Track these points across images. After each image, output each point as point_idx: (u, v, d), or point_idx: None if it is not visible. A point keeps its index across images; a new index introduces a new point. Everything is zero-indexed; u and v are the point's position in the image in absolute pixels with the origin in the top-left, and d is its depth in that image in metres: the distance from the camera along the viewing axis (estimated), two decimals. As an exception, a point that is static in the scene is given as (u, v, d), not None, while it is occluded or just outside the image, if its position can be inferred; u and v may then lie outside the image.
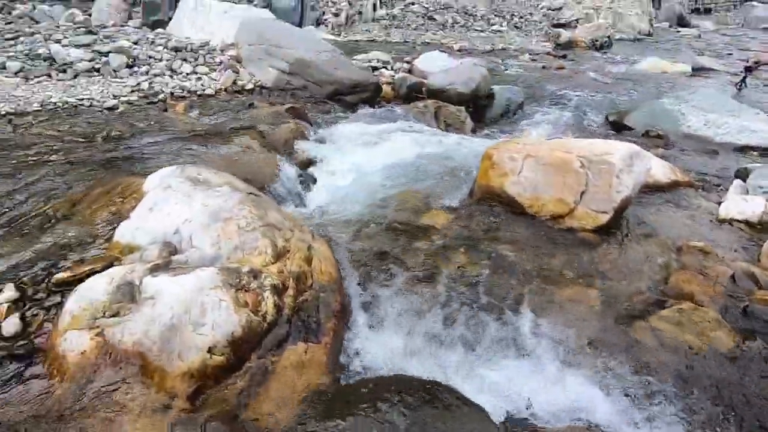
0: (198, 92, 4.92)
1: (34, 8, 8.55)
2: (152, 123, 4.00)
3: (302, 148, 3.96)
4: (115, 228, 2.14)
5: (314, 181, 3.63)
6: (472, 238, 2.74)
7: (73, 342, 1.55)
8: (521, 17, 16.33)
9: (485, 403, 1.71)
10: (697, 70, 9.33)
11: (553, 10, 17.34)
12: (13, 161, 3.00)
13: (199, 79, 5.26)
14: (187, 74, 5.37)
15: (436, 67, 6.93)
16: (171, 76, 5.24)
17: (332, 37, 10.36)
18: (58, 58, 5.02)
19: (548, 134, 5.17)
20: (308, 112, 4.79)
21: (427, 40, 11.70)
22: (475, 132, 5.27)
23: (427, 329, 2.11)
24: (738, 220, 3.08)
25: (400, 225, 2.86)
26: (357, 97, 5.49)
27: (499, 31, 14.41)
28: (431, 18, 14.83)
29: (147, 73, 5.20)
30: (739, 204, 3.18)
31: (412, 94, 5.89)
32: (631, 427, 1.75)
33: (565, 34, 12.90)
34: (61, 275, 1.88)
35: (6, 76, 4.63)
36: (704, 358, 1.98)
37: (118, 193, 2.51)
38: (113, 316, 1.62)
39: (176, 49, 5.95)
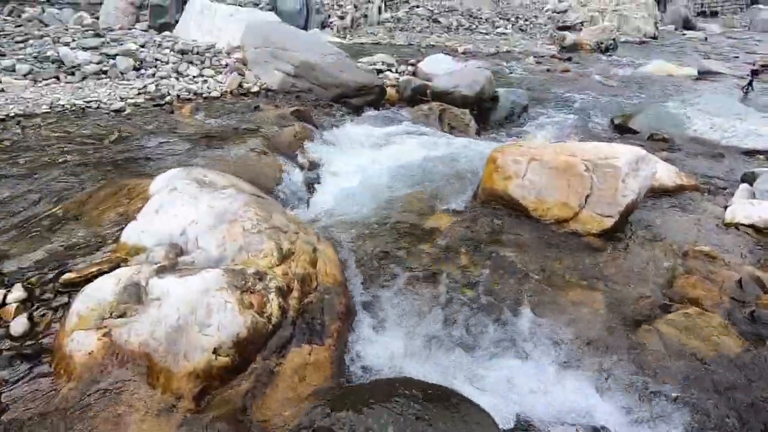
0: (204, 95, 4.95)
1: (43, 11, 8.65)
2: (159, 125, 4.03)
3: (307, 150, 3.98)
4: (121, 229, 2.16)
5: (319, 183, 3.64)
6: (476, 241, 2.74)
7: (81, 342, 1.57)
8: (526, 20, 16.33)
9: (488, 406, 1.71)
10: (703, 74, 9.29)
11: (558, 13, 17.33)
12: (22, 163, 3.04)
13: (205, 81, 5.30)
14: (194, 77, 5.41)
15: (440, 69, 6.95)
16: (177, 79, 5.28)
17: (337, 40, 10.40)
18: (67, 60, 5.08)
19: (553, 137, 5.16)
20: (313, 114, 4.81)
21: (431, 43, 11.72)
22: (480, 135, 5.27)
23: (430, 331, 2.11)
24: (744, 225, 3.05)
25: (404, 227, 2.87)
26: (362, 99, 5.51)
27: (503, 33, 14.41)
28: (436, 21, 14.86)
29: (154, 75, 5.25)
30: (745, 208, 3.16)
31: (417, 96, 5.90)
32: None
33: (569, 37, 12.88)
34: (68, 276, 1.90)
35: (15, 78, 4.68)
36: (710, 364, 1.97)
37: (124, 194, 2.53)
38: (120, 316, 1.63)
39: (183, 52, 6.00)
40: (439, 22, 14.74)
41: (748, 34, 20.41)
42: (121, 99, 4.49)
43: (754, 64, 8.89)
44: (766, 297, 2.32)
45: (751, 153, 4.72)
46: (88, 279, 1.83)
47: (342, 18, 13.04)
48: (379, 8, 14.36)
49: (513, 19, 16.42)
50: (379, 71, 6.95)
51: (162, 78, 5.20)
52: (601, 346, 2.05)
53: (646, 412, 1.79)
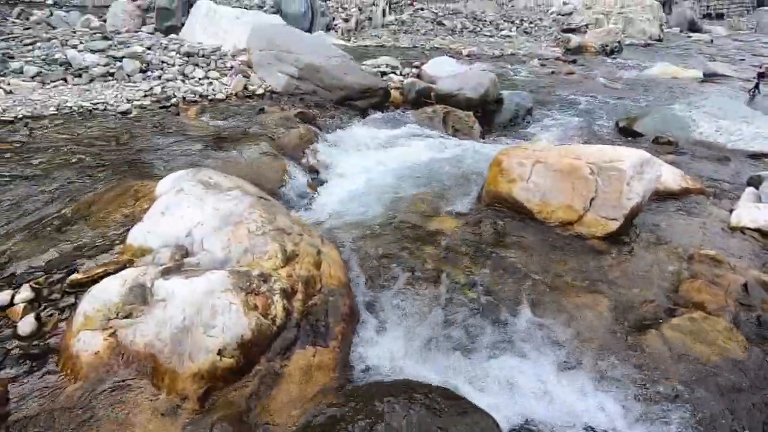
0: (209, 97, 4.99)
1: (51, 14, 8.75)
2: (164, 127, 4.06)
3: (311, 152, 4.00)
4: (128, 230, 2.17)
5: (323, 185, 3.66)
6: (480, 244, 2.74)
7: (87, 342, 1.58)
8: (530, 23, 16.32)
9: (491, 408, 1.71)
10: (709, 76, 9.24)
11: (563, 15, 17.31)
12: (30, 164, 3.07)
13: (210, 83, 5.34)
14: (199, 79, 5.45)
15: (444, 72, 6.95)
16: (183, 81, 5.32)
17: (342, 43, 10.44)
18: (74, 63, 5.13)
19: (557, 140, 5.15)
20: (318, 116, 4.83)
21: (436, 45, 11.74)
22: (484, 137, 5.27)
23: (433, 333, 2.11)
24: (750, 229, 3.03)
25: (408, 229, 2.87)
26: (366, 101, 5.53)
27: (508, 36, 14.41)
28: (440, 23, 14.88)
29: (160, 77, 5.29)
30: (751, 212, 3.14)
31: (421, 99, 5.91)
32: (641, 437, 1.73)
33: (574, 39, 12.86)
34: (75, 276, 1.92)
35: (24, 80, 4.73)
36: (716, 368, 1.96)
37: (131, 196, 2.55)
38: (126, 317, 1.65)
39: (188, 55, 6.05)
40: (444, 24, 14.76)
41: (755, 36, 20.30)
42: (128, 101, 4.53)
43: (760, 67, 8.84)
44: (772, 301, 2.31)
45: (757, 156, 4.69)
46: (95, 280, 1.84)
47: (346, 21, 13.09)
48: (384, 11, 14.40)
49: (517, 21, 16.42)
50: (384, 74, 6.97)
51: (168, 80, 5.24)
52: (606, 350, 2.04)
53: (651, 415, 1.78)
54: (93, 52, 5.49)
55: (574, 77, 8.82)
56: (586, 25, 15.84)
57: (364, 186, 3.56)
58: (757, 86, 7.91)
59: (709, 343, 2.06)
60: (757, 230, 3.02)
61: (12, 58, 5.13)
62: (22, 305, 1.77)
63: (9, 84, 4.59)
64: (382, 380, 1.84)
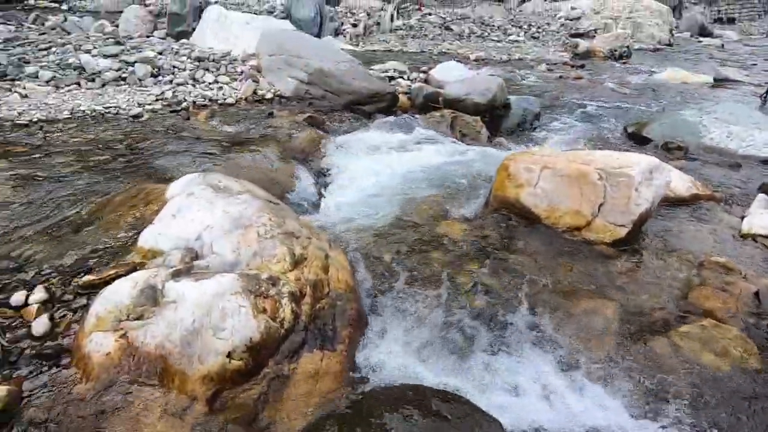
0: (219, 101, 5.05)
1: (66, 19, 8.92)
2: (175, 131, 4.11)
3: (320, 156, 4.03)
4: (139, 233, 2.21)
5: (331, 189, 3.68)
6: (487, 249, 2.74)
7: (99, 343, 1.61)
8: (538, 27, 16.30)
9: (498, 415, 1.70)
10: (720, 81, 9.15)
11: (571, 20, 17.28)
12: (43, 167, 3.13)
13: (220, 88, 5.40)
14: (209, 84, 5.52)
15: (452, 77, 6.97)
16: (194, 86, 5.39)
17: (350, 47, 10.51)
18: (88, 67, 5.23)
19: (565, 145, 5.13)
20: (326, 121, 4.87)
21: (443, 50, 11.76)
22: (491, 142, 5.27)
23: (440, 339, 2.12)
24: (762, 236, 3.00)
25: (415, 234, 2.88)
26: (374, 106, 5.56)
27: (516, 41, 14.40)
28: (448, 28, 14.92)
29: (171, 82, 5.37)
30: (763, 219, 3.10)
31: (429, 103, 5.93)
32: (650, 446, 1.72)
33: (583, 44, 12.81)
34: (87, 278, 1.95)
35: (38, 85, 4.83)
36: (726, 377, 1.94)
37: (142, 199, 2.59)
38: (137, 319, 1.67)
39: (199, 59, 6.13)
40: (452, 29, 14.80)
41: (767, 41, 20.08)
42: (139, 105, 4.60)
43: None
44: (784, 310, 2.28)
45: (769, 162, 4.64)
46: (107, 281, 1.87)
47: (355, 26, 13.18)
48: (392, 16, 14.48)
49: (525, 26, 16.41)
50: (391, 78, 7.01)
51: (179, 85, 5.32)
52: (614, 358, 2.03)
53: (661, 423, 1.77)
54: (106, 56, 5.59)
55: (582, 82, 8.79)
56: (595, 30, 15.78)
57: (372, 190, 3.58)
58: (768, 91, 7.82)
59: (720, 352, 2.04)
60: (769, 237, 2.99)
61: (27, 62, 5.24)
62: (36, 306, 1.80)
63: (24, 88, 4.69)
64: (388, 384, 1.85)
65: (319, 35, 10.56)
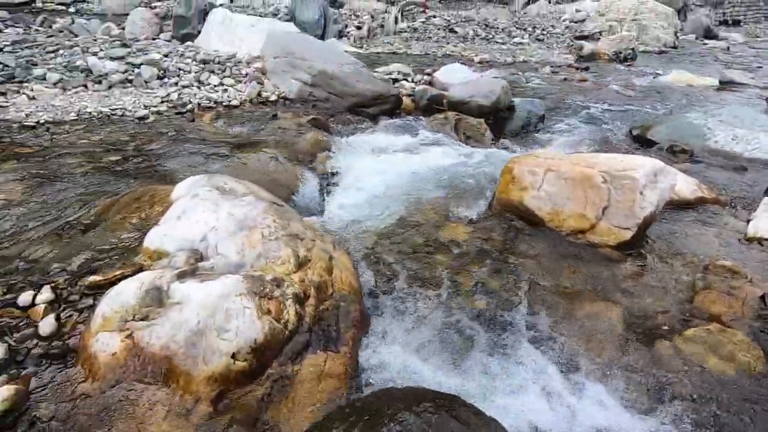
0: (224, 103, 5.08)
1: (73, 22, 9.00)
2: (180, 133, 4.14)
3: (324, 158, 4.04)
4: (144, 234, 2.22)
5: (335, 191, 3.69)
6: (491, 251, 2.74)
7: (105, 343, 1.62)
8: (543, 30, 16.29)
9: (500, 418, 1.70)
10: (725, 84, 9.10)
11: (576, 23, 17.25)
12: (50, 168, 3.16)
13: (225, 90, 5.44)
14: (214, 86, 5.55)
15: (456, 79, 6.98)
16: (199, 88, 5.43)
17: (354, 50, 10.54)
18: (95, 69, 5.27)
19: (569, 148, 5.12)
20: (330, 123, 4.89)
21: (447, 53, 11.77)
22: (495, 145, 5.27)
23: (443, 341, 2.12)
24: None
25: (419, 237, 2.88)
26: (378, 108, 5.57)
27: (520, 43, 14.39)
28: (452, 30, 14.93)
29: (176, 84, 5.41)
30: (769, 222, 3.09)
31: (433, 106, 5.93)
32: (654, 450, 1.71)
33: (587, 47, 12.78)
34: (93, 278, 1.97)
35: (46, 87, 4.88)
36: (732, 381, 1.92)
37: (147, 200, 2.61)
38: (142, 319, 1.68)
39: (204, 62, 6.17)
40: (456, 31, 14.81)
41: (773, 43, 19.93)
42: (145, 107, 4.63)
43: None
44: (790, 314, 2.26)
45: (775, 165, 4.61)
46: (113, 282, 1.89)
47: (359, 28, 13.21)
48: (396, 18, 14.51)
49: (530, 29, 16.40)
50: (395, 80, 7.02)
51: (184, 87, 5.35)
52: (618, 361, 2.02)
53: (665, 429, 1.76)
54: (112, 59, 5.64)
55: (586, 84, 8.77)
56: (600, 32, 15.74)
57: (376, 192, 3.59)
58: (775, 94, 7.77)
59: (725, 356, 2.03)
60: (775, 241, 2.97)
61: (35, 65, 5.29)
62: (42, 306, 1.82)
63: (32, 90, 4.73)
64: (391, 387, 1.85)
65: (323, 37, 10.59)
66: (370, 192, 3.59)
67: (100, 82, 5.15)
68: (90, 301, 1.87)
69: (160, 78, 5.47)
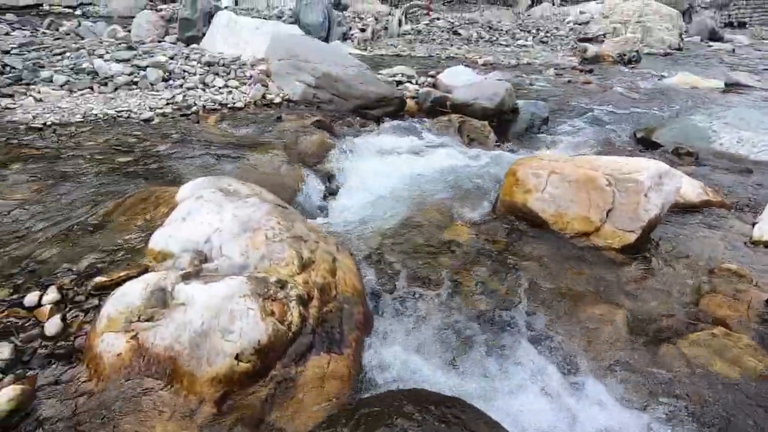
0: (228, 105, 5.10)
1: (80, 25, 9.08)
2: (185, 134, 4.16)
3: (327, 160, 4.05)
4: (149, 235, 2.24)
5: (338, 192, 3.70)
6: (494, 254, 2.73)
7: (110, 344, 1.63)
8: (547, 32, 16.26)
9: (502, 419, 1.70)
10: (731, 86, 9.05)
11: (580, 25, 17.22)
12: (58, 170, 3.19)
13: (230, 92, 5.46)
14: (219, 88, 5.58)
15: (460, 81, 6.98)
16: (204, 90, 5.46)
17: (358, 52, 10.56)
18: (101, 72, 5.32)
19: (573, 150, 5.11)
20: (334, 125, 4.90)
21: (451, 55, 11.77)
22: (499, 147, 5.26)
23: (446, 343, 2.12)
24: (774, 243, 2.96)
25: (422, 238, 2.89)
26: (381, 110, 5.58)
27: (524, 45, 14.38)
28: (456, 33, 14.94)
29: (181, 86, 5.44)
30: (775, 225, 3.07)
31: (436, 108, 5.94)
32: (659, 455, 1.70)
33: (591, 49, 12.75)
34: (99, 279, 1.98)
35: (53, 89, 4.92)
36: (737, 386, 1.91)
37: (152, 202, 2.63)
38: (147, 320, 1.69)
39: (209, 64, 6.21)
40: (459, 34, 14.82)
41: (779, 45, 19.82)
42: (150, 109, 4.66)
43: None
44: (797, 318, 2.25)
45: (781, 168, 4.58)
46: (118, 283, 1.90)
47: (363, 30, 13.25)
48: (400, 21, 14.54)
49: (534, 31, 16.38)
50: (399, 83, 7.03)
51: (189, 89, 5.39)
52: (622, 363, 2.01)
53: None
54: (118, 61, 5.68)
55: (590, 86, 8.75)
56: (604, 35, 15.71)
57: (379, 194, 3.59)
58: (781, 96, 7.72)
59: (730, 360, 2.01)
60: (781, 244, 2.95)
61: (42, 67, 5.34)
62: (48, 306, 1.83)
63: (39, 92, 4.77)
64: (394, 389, 1.85)
65: (327, 40, 10.63)
66: (374, 194, 3.60)
67: (105, 84, 5.19)
68: (95, 301, 1.88)
69: (165, 80, 5.51)
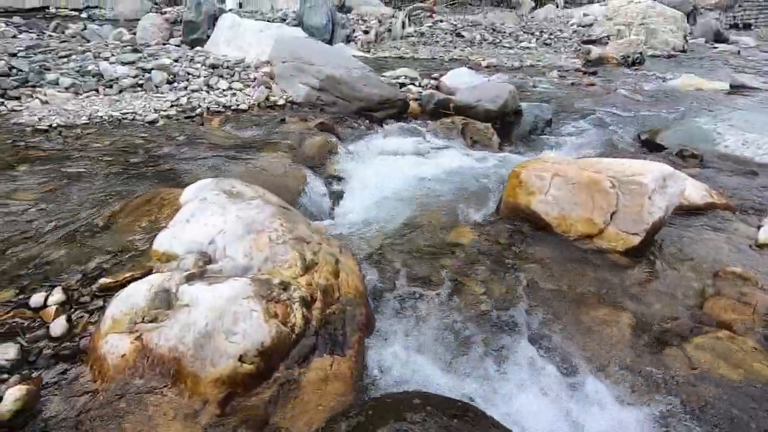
0: (232, 107, 5.13)
1: (85, 27, 9.15)
2: (189, 137, 4.19)
3: (331, 162, 4.06)
4: (153, 237, 2.25)
5: (342, 194, 3.71)
6: (497, 256, 2.73)
7: (114, 345, 1.64)
8: (550, 34, 16.25)
9: (507, 424, 1.69)
10: (736, 88, 9.01)
11: (584, 27, 17.18)
12: (63, 172, 3.21)
13: (234, 94, 5.49)
14: (223, 90, 5.61)
15: (463, 83, 6.99)
16: (208, 92, 5.49)
17: (362, 54, 10.59)
18: (106, 74, 5.36)
19: (577, 153, 5.10)
20: (337, 127, 4.92)
21: (454, 57, 11.78)
22: (502, 149, 5.26)
23: (449, 345, 2.11)
24: (779, 246, 2.95)
25: (425, 240, 2.89)
26: (385, 113, 5.59)
27: (527, 47, 14.37)
28: (459, 35, 14.95)
29: (186, 88, 5.48)
30: (780, 228, 3.05)
31: (439, 110, 5.95)
32: (663, 458, 1.69)
33: (595, 51, 12.72)
34: (104, 281, 1.99)
35: (59, 91, 4.96)
36: (742, 390, 1.90)
37: (156, 203, 2.64)
38: (151, 321, 1.70)
39: (213, 66, 6.24)
40: (463, 36, 14.82)
41: (784, 47, 19.70)
42: (155, 111, 4.69)
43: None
44: (803, 322, 2.23)
45: (786, 171, 4.55)
46: (123, 284, 1.91)
47: (366, 33, 13.28)
48: (403, 23, 14.56)
49: (537, 33, 16.37)
50: (402, 85, 7.04)
51: (193, 91, 5.42)
52: (626, 367, 2.01)
53: (674, 437, 1.74)
54: (123, 64, 5.73)
55: (594, 89, 8.73)
56: (608, 37, 15.67)
57: (382, 196, 3.60)
58: (786, 98, 7.68)
59: (735, 364, 2.00)
60: (787, 247, 2.93)
61: (48, 69, 5.39)
62: (54, 307, 1.85)
63: (45, 94, 4.82)
64: (397, 391, 1.85)
65: (330, 42, 10.67)
66: (377, 196, 3.61)
67: (111, 87, 5.23)
68: (100, 302, 1.90)
69: (169, 82, 5.55)
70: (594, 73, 10.57)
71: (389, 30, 14.15)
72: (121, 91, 5.21)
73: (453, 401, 1.72)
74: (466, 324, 2.22)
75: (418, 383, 1.92)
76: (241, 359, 1.61)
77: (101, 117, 4.43)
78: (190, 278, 1.86)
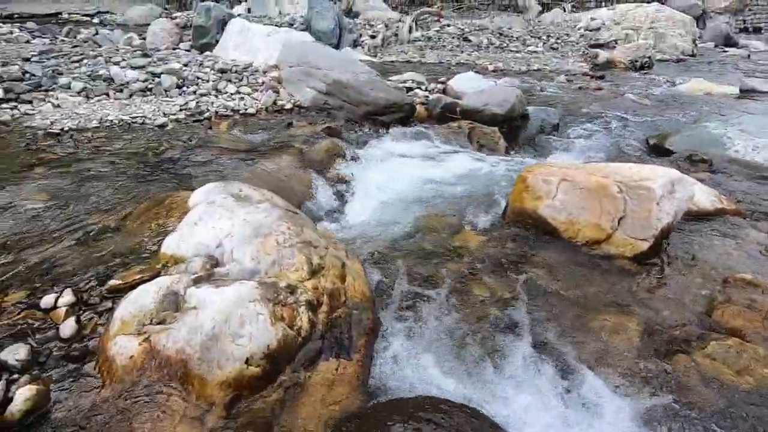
0: (240, 111, 5.17)
1: (97, 32, 9.29)
2: (198, 140, 4.23)
3: (337, 166, 4.08)
4: (162, 239, 2.27)
5: (348, 198, 3.72)
6: (503, 261, 2.72)
7: (123, 346, 1.66)
8: (558, 38, 16.21)
9: (510, 427, 1.69)
10: (746, 92, 8.91)
11: (591, 31, 17.13)
12: (73, 175, 3.26)
13: (242, 99, 5.54)
14: (231, 94, 5.66)
15: (470, 87, 6.98)
16: (216, 96, 5.54)
17: (368, 59, 10.64)
18: (117, 79, 5.43)
19: (584, 157, 5.08)
20: (344, 131, 4.94)
21: (461, 61, 11.78)
22: (509, 153, 5.25)
23: (455, 350, 2.11)
24: (791, 252, 2.91)
25: (431, 244, 2.89)
26: (391, 117, 5.60)
27: (534, 51, 14.34)
28: (466, 39, 14.96)
29: (195, 93, 5.53)
30: (792, 235, 3.01)
31: (446, 114, 5.94)
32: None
33: (603, 55, 12.67)
34: (113, 282, 2.02)
35: (70, 95, 5.03)
36: (752, 398, 1.87)
37: (165, 206, 2.67)
38: (159, 323, 1.72)
39: (222, 71, 6.30)
40: (470, 40, 14.84)
41: (796, 51, 19.48)
42: (164, 115, 4.74)
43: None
44: (815, 330, 2.19)
45: (798, 176, 4.49)
46: (132, 286, 1.94)
47: (373, 37, 13.34)
48: (410, 27, 14.61)
49: (544, 37, 16.34)
50: (409, 89, 7.05)
51: (202, 95, 5.47)
52: (635, 376, 1.99)
53: (683, 446, 1.72)
54: (134, 68, 5.80)
55: (602, 93, 8.68)
56: (615, 41, 15.60)
57: (389, 200, 3.61)
58: (798, 103, 7.58)
59: (746, 372, 1.97)
60: (799, 254, 2.89)
61: (60, 74, 5.47)
62: (64, 309, 1.87)
63: (57, 99, 4.89)
64: (403, 396, 1.85)
65: (338, 47, 10.73)
66: (383, 199, 3.62)
67: (121, 91, 5.30)
68: (109, 304, 1.92)
69: (179, 87, 5.60)
70: (601, 78, 10.52)
71: (396, 34, 14.21)
72: (131, 95, 5.28)
73: (460, 406, 1.72)
74: (471, 329, 2.21)
75: (425, 388, 1.91)
76: (247, 362, 1.62)
77: (112, 121, 4.48)
78: (197, 281, 1.88)
